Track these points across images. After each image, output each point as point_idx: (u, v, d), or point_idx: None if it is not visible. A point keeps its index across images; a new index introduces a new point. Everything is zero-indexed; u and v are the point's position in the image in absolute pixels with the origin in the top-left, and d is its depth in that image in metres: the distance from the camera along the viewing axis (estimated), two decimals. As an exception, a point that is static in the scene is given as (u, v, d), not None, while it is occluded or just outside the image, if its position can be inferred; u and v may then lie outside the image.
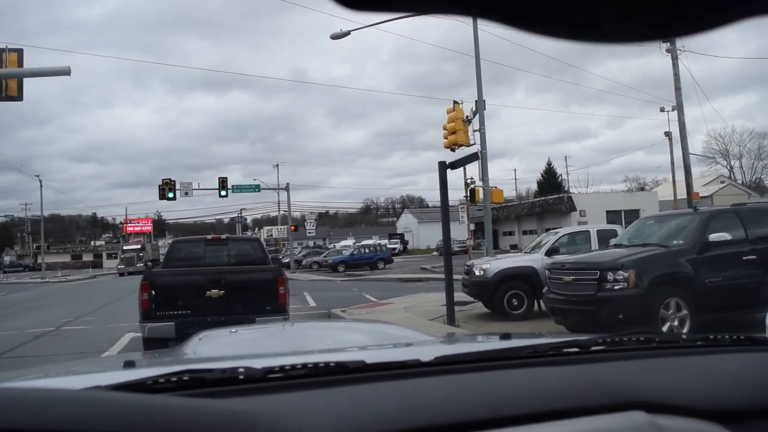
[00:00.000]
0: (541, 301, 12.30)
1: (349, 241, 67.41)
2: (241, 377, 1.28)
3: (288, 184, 39.41)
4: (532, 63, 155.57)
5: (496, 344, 1.98)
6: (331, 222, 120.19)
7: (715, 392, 1.26)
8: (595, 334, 1.84)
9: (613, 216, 47.98)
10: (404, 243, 78.53)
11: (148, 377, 1.27)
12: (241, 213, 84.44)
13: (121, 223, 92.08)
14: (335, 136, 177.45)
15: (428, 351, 1.60)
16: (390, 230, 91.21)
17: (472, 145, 18.10)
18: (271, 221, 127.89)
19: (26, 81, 14.96)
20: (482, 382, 1.30)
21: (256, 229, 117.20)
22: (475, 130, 18.35)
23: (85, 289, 33.83)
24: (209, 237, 11.46)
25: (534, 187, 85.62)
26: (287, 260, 45.64)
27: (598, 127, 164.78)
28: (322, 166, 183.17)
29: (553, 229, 16.29)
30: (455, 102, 18.76)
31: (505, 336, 2.17)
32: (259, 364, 1.36)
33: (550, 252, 12.43)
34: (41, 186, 54.01)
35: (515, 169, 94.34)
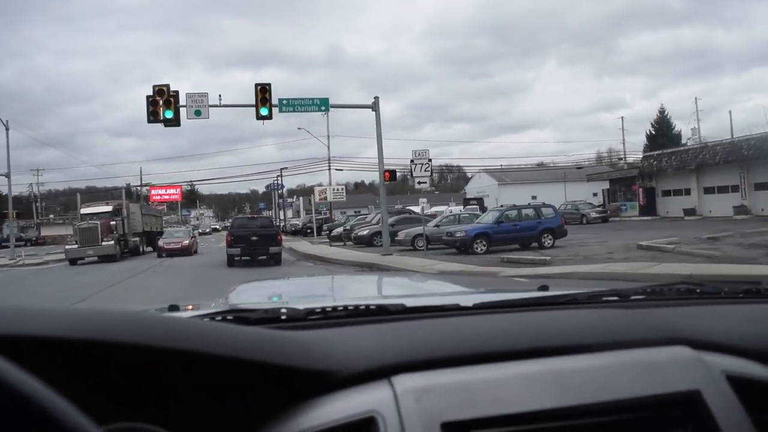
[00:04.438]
0: None
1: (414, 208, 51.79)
2: (283, 317, 1.31)
3: (377, 98, 22.79)
4: (562, 36, 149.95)
5: (534, 293, 1.82)
6: (367, 191, 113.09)
7: (760, 335, 1.23)
8: None
9: None
10: (483, 209, 61.86)
11: (195, 316, 1.33)
12: (281, 173, 68.82)
13: (139, 185, 76.80)
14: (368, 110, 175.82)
15: (468, 299, 1.67)
16: (438, 198, 75.23)
17: None
18: (306, 192, 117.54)
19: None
20: (524, 318, 1.33)
21: (294, 197, 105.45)
22: None
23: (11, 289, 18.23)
24: (250, 216, 35.92)
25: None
26: (364, 232, 29.18)
27: (632, 98, 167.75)
28: (356, 138, 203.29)
29: None
30: None
31: (543, 287, 2.07)
32: (299, 306, 1.40)
33: None
34: (7, 131, 38.06)
35: (622, 117, 77.71)
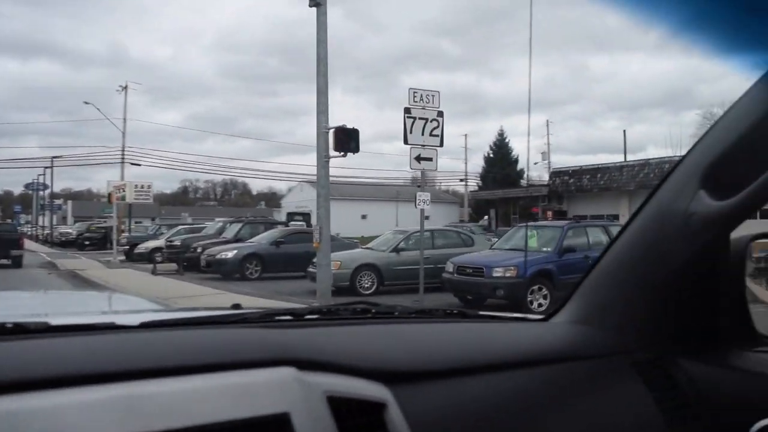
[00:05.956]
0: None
1: (217, 224, 40.56)
2: None
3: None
4: (349, 65, 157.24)
5: (219, 312, 1.68)
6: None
7: (388, 355, 1.24)
8: None
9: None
10: (310, 225, 51.76)
11: None
12: (52, 163, 52.89)
13: None
14: (149, 115, 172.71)
15: (137, 318, 1.47)
16: (226, 213, 66.08)
17: None
18: (74, 196, 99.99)
19: None
20: (149, 339, 1.19)
21: (63, 200, 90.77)
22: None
23: None
24: None
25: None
26: (228, 255, 17.22)
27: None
28: (133, 144, 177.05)
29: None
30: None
31: (236, 306, 1.84)
32: None
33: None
34: None
35: (466, 135, 73.30)
